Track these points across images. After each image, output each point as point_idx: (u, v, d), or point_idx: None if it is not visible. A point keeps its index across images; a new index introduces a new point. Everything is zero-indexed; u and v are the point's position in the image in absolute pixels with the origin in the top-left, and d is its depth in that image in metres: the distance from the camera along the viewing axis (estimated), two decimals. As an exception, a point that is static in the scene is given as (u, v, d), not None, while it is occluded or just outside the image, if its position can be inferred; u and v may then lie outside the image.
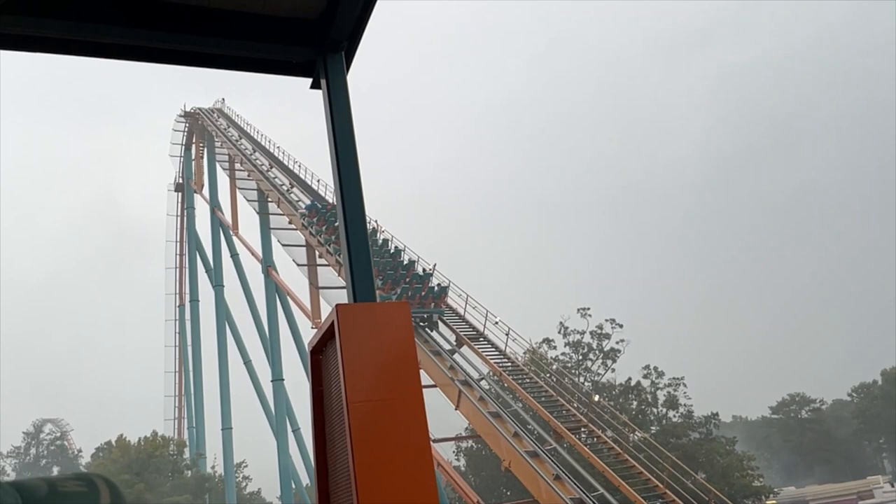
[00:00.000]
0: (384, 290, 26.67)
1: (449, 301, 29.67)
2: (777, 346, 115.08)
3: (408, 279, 28.12)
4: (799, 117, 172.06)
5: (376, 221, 32.23)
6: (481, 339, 27.77)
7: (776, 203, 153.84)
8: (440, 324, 27.64)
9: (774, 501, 42.67)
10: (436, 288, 28.47)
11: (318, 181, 38.35)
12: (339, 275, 30.48)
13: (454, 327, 28.09)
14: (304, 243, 34.88)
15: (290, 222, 36.35)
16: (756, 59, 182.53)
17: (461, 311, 29.13)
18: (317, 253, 33.47)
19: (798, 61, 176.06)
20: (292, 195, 37.96)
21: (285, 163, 43.15)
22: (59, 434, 79.10)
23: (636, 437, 28.41)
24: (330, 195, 30.28)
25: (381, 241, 31.06)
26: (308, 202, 35.38)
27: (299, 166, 42.15)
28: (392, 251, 30.59)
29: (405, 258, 30.14)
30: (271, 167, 42.32)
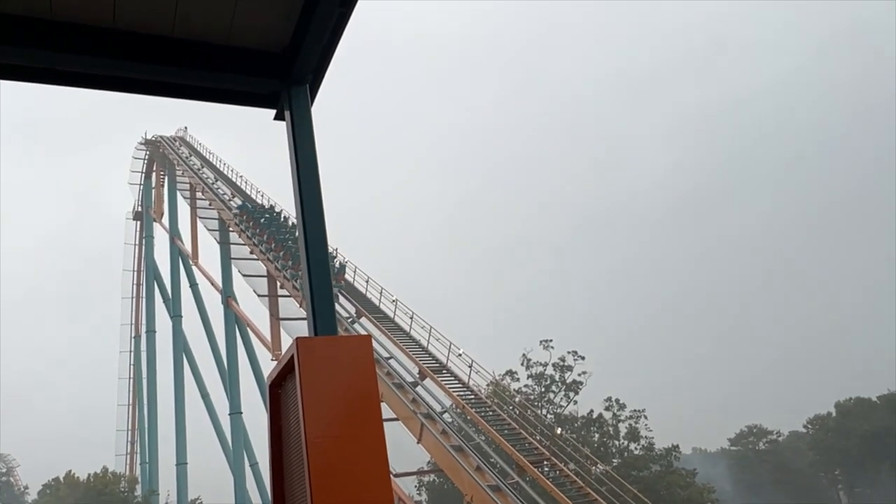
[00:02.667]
0: (285, 260, 31.00)
1: (412, 333, 29.64)
2: (734, 378, 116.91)
3: None
4: (757, 155, 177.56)
5: (284, 209, 36.06)
6: (444, 371, 27.63)
7: (736, 234, 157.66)
8: (340, 297, 30.24)
9: (734, 534, 42.91)
10: (336, 265, 31.14)
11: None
12: (300, 306, 30.16)
13: (417, 360, 27.94)
14: (265, 273, 34.50)
15: (250, 252, 35.94)
16: (717, 98, 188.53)
17: (424, 343, 29.02)
18: (278, 283, 33.11)
19: (759, 101, 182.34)
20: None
21: (248, 192, 42.83)
22: (4, 470, 75.74)
23: (598, 470, 28.42)
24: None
25: (282, 219, 35.26)
26: (239, 202, 38.79)
27: (262, 196, 41.94)
28: (293, 230, 32.93)
29: None
30: (233, 196, 41.97)
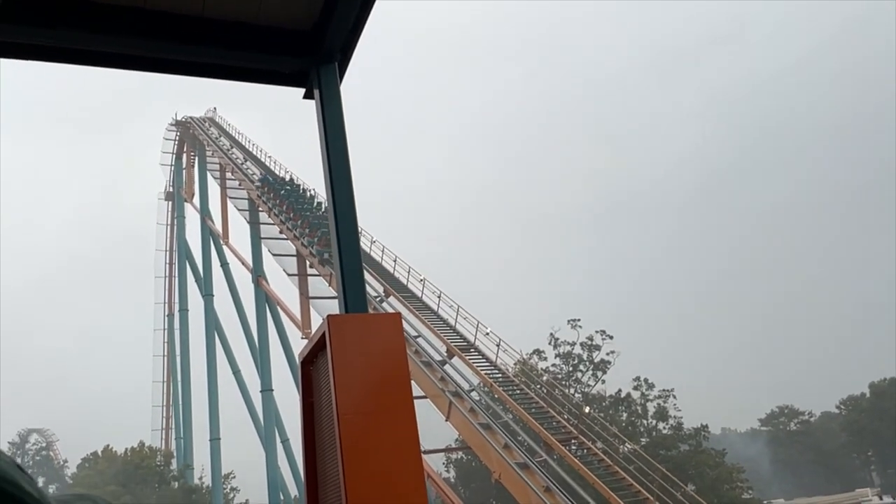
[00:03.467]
0: (310, 236, 32.20)
1: (440, 312, 29.78)
2: (766, 358, 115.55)
3: (325, 225, 32.05)
4: (787, 132, 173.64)
5: (304, 181, 38.00)
6: (472, 349, 27.73)
7: (766, 214, 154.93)
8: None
9: (764, 514, 42.68)
10: None
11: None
12: (329, 285, 30.44)
13: (445, 338, 28.07)
14: (294, 253, 34.83)
15: (280, 232, 36.30)
16: (745, 75, 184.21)
17: (452, 321, 29.13)
18: (307, 263, 33.42)
19: (787, 78, 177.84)
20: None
21: (277, 172, 43.13)
22: (44, 444, 78.33)
23: (626, 449, 28.39)
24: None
25: (308, 196, 36.50)
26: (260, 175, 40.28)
27: (286, 172, 42.38)
28: (315, 205, 35.20)
29: None
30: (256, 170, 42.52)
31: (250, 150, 47.59)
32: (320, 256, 31.04)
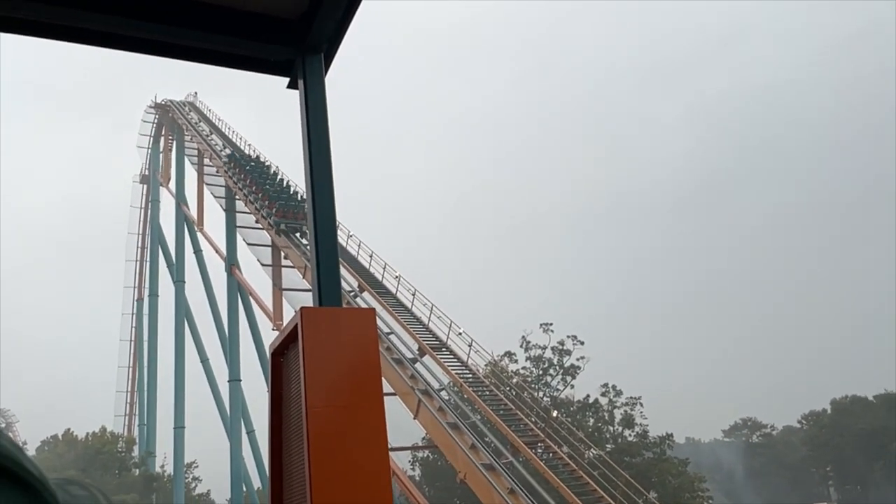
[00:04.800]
0: (269, 208, 33.76)
1: (413, 310, 29.77)
2: (734, 370, 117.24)
3: (282, 198, 34.73)
4: (783, 137, 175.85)
5: (271, 160, 40.19)
6: (444, 349, 27.77)
7: (741, 229, 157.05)
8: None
9: (723, 523, 43.30)
10: (306, 207, 31.91)
11: (295, 187, 38.14)
12: (304, 277, 30.27)
13: (417, 336, 28.05)
14: (269, 243, 34.58)
15: (256, 221, 36.00)
16: (735, 87, 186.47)
17: (425, 320, 29.12)
18: (282, 254, 33.20)
19: (785, 82, 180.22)
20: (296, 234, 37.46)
21: (252, 155, 42.69)
22: (3, 425, 76.73)
23: (591, 455, 28.62)
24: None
25: (270, 173, 38.32)
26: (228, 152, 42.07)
27: (254, 151, 42.71)
28: (278, 180, 37.44)
29: (292, 189, 36.30)
30: (224, 147, 42.86)
31: (230, 136, 47.10)
32: (277, 227, 32.92)
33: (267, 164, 40.01)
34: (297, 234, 32.72)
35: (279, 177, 38.05)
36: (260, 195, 35.29)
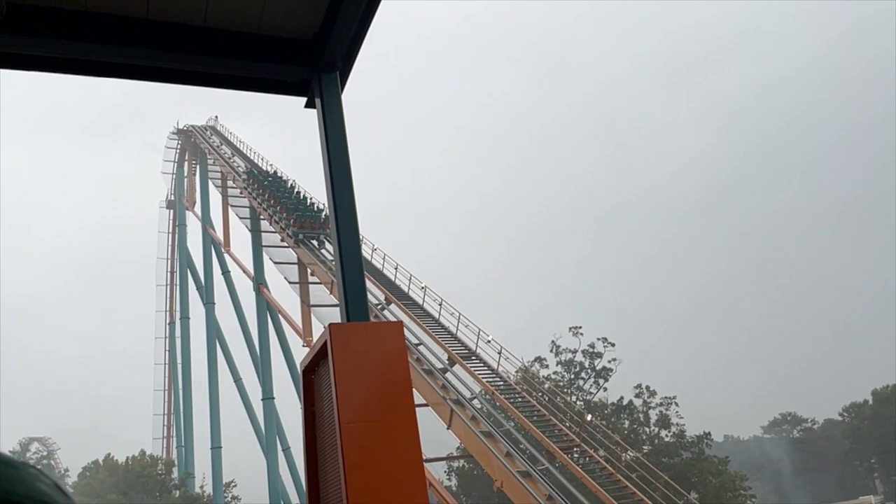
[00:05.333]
0: (287, 219, 35.35)
1: (441, 320, 29.79)
2: (769, 365, 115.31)
3: (300, 209, 36.50)
4: (793, 137, 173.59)
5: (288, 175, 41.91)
6: (473, 357, 27.70)
7: (770, 219, 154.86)
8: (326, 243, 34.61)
9: (767, 522, 42.47)
10: (322, 217, 35.52)
11: (311, 198, 38.89)
12: (331, 292, 30.45)
13: (446, 346, 28.03)
14: (296, 261, 34.87)
15: (281, 240, 36.37)
16: (747, 86, 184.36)
17: (453, 329, 29.10)
18: (309, 270, 33.45)
19: (789, 88, 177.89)
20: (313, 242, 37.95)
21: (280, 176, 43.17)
22: (45, 453, 78.08)
23: (628, 457, 28.31)
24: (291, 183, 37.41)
25: (288, 186, 40.07)
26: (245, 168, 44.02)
27: (271, 166, 44.04)
28: (295, 193, 39.13)
29: (309, 201, 38.03)
30: (236, 160, 44.66)
31: (251, 157, 47.70)
32: (295, 237, 34.32)
33: (284, 178, 41.52)
34: (315, 243, 34.27)
35: (296, 190, 39.47)
36: (278, 208, 36.71)
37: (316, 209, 36.66)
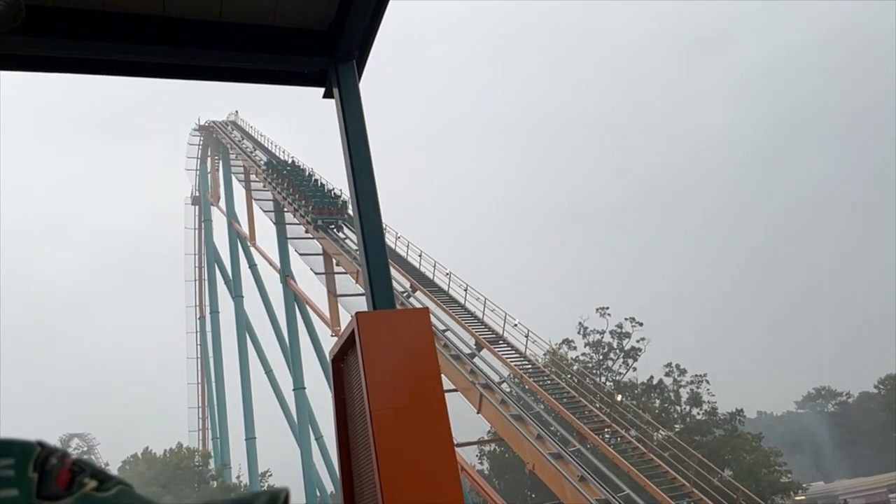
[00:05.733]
0: (306, 206, 36.57)
1: (467, 305, 29.87)
2: (801, 339, 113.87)
3: (317, 196, 37.76)
4: (819, 114, 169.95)
5: (306, 164, 43.28)
6: (501, 341, 27.72)
7: (798, 197, 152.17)
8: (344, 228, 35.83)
9: (803, 497, 42.10)
10: (340, 203, 36.76)
11: (329, 185, 39.31)
12: (356, 282, 30.63)
13: (473, 331, 28.08)
14: (321, 251, 35.12)
15: (305, 231, 36.65)
16: (773, 57, 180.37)
17: (479, 314, 29.13)
18: (334, 261, 33.67)
19: (816, 57, 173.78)
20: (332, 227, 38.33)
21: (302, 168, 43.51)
22: (86, 448, 79.87)
23: (660, 436, 28.20)
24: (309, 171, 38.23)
25: (306, 175, 41.44)
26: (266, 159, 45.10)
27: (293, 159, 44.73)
28: (313, 181, 40.31)
29: (326, 188, 39.16)
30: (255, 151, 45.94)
31: (272, 150, 48.02)
32: (314, 223, 35.40)
33: (301, 167, 42.84)
34: (333, 228, 35.52)
35: (314, 178, 40.63)
36: (297, 196, 37.76)
37: (333, 195, 37.91)
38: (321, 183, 39.88)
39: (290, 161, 44.28)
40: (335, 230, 35.14)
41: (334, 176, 40.67)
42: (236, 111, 55.95)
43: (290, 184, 39.14)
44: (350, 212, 36.55)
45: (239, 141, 49.44)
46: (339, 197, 37.38)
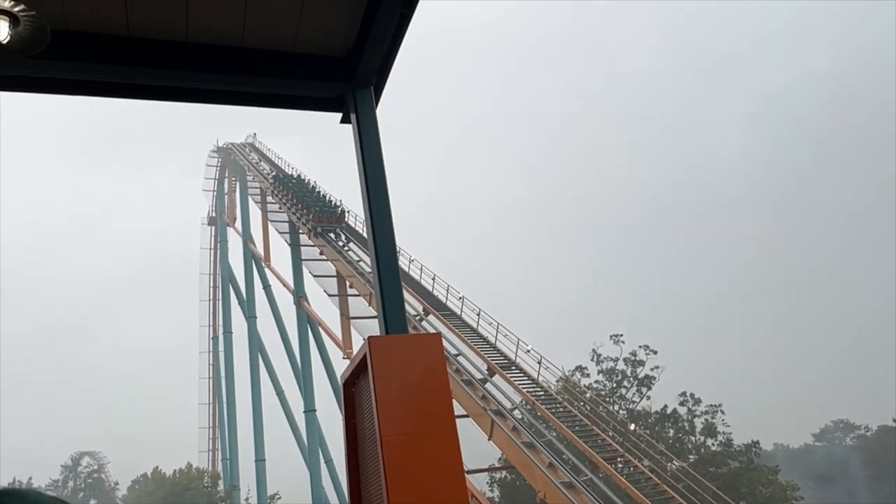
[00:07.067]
0: (307, 215, 38.42)
1: (479, 330, 29.78)
2: (819, 371, 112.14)
3: (318, 205, 39.72)
4: (832, 136, 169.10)
5: (311, 178, 44.99)
6: (513, 367, 27.54)
7: (814, 220, 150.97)
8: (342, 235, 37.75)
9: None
10: (339, 212, 38.89)
11: (357, 218, 39.39)
12: (369, 304, 30.66)
13: (485, 356, 27.94)
14: (335, 274, 35.23)
15: (320, 253, 36.83)
16: (793, 81, 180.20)
17: (492, 339, 29.00)
18: (347, 283, 33.76)
19: (837, 82, 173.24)
20: (330, 235, 38.73)
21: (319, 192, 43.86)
22: (96, 467, 79.91)
23: (674, 467, 27.78)
24: (361, 226, 37.14)
25: (310, 187, 43.31)
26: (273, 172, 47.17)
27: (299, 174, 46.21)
28: (315, 191, 42.34)
29: (327, 199, 40.87)
30: (271, 171, 46.61)
31: (287, 170, 48.48)
32: (314, 230, 37.14)
33: (306, 180, 45.05)
34: (332, 235, 37.28)
35: (317, 190, 42.65)
36: (300, 205, 39.90)
37: (333, 205, 40.02)
38: (322, 194, 42.10)
39: (295, 175, 46.54)
40: (334, 237, 37.20)
41: (352, 198, 41.12)
42: (254, 133, 56.70)
43: (294, 195, 41.43)
44: (347, 220, 37.85)
45: (256, 163, 50.01)
46: (339, 207, 39.76)
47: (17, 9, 3.26)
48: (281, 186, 43.28)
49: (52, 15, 3.55)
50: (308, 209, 39.07)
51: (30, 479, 70.78)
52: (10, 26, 3.29)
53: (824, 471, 72.08)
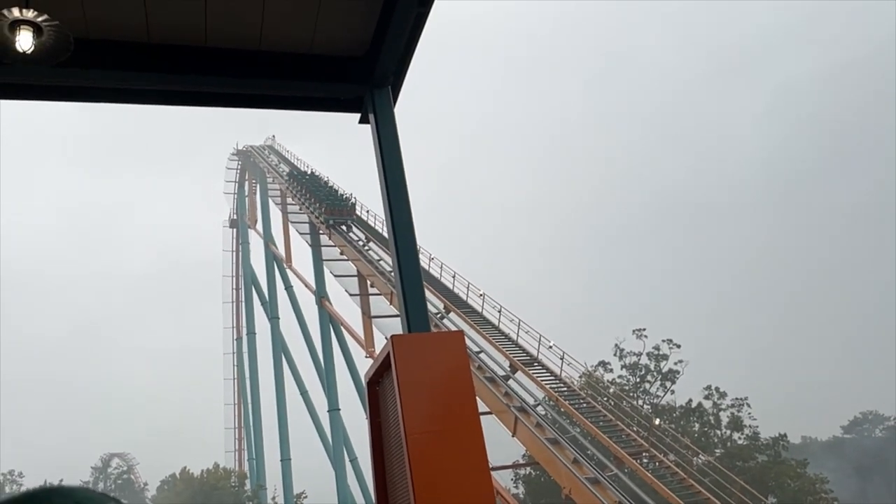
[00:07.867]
0: (320, 208, 39.89)
1: (501, 327, 29.74)
2: (847, 363, 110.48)
3: (329, 199, 41.34)
4: (858, 132, 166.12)
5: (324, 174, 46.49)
6: (535, 363, 27.48)
7: (846, 216, 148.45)
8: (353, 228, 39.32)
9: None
10: (349, 205, 40.64)
11: (368, 212, 39.69)
12: (391, 303, 30.75)
13: (507, 353, 27.90)
14: (356, 273, 35.39)
15: (341, 253, 37.01)
16: (811, 74, 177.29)
17: (514, 336, 28.96)
18: (368, 282, 33.89)
19: (856, 73, 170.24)
20: (342, 227, 38.97)
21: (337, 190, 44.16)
22: (125, 468, 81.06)
23: (700, 461, 27.56)
24: (381, 225, 37.32)
25: (322, 183, 45.05)
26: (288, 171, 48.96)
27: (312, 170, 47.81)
28: (325, 185, 44.43)
29: (338, 192, 42.90)
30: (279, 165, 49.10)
31: (304, 170, 48.88)
32: (326, 222, 38.47)
33: (318, 175, 46.96)
34: (344, 227, 38.77)
35: (329, 184, 44.49)
36: (312, 199, 41.51)
37: (344, 198, 41.62)
38: (335, 188, 43.93)
39: (309, 171, 48.13)
40: (346, 230, 38.69)
41: (372, 198, 41.33)
42: (273, 136, 57.16)
43: (308, 189, 43.11)
44: (358, 213, 39.27)
45: (276, 165, 50.40)
46: (349, 200, 41.50)
47: (40, 19, 3.31)
48: (295, 182, 45.00)
49: (74, 23, 3.60)
50: (320, 202, 40.59)
51: (61, 480, 71.88)
52: (34, 37, 3.34)
53: (861, 462, 71.00)
